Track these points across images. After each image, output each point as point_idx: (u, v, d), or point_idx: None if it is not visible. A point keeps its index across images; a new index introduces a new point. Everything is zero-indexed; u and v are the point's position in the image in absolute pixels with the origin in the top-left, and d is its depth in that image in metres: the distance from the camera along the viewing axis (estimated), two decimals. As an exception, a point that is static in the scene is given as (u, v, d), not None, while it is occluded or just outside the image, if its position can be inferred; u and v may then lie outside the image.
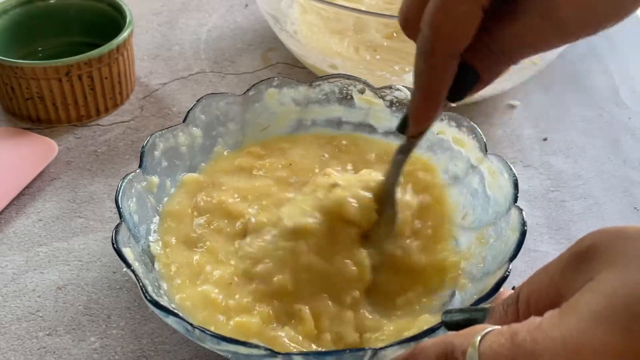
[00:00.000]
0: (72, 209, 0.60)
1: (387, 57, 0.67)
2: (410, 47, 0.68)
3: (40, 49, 0.72)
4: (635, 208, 0.61)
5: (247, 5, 0.84)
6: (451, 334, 0.36)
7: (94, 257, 0.56)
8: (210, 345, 0.42)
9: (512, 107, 0.71)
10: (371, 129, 0.59)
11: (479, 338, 0.33)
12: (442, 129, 0.56)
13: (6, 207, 0.59)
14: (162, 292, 0.47)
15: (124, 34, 0.66)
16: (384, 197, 0.50)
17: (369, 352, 0.40)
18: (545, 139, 0.67)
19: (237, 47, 0.78)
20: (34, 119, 0.67)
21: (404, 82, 0.64)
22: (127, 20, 0.67)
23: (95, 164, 0.64)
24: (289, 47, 0.72)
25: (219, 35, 0.80)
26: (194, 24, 0.81)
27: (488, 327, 0.34)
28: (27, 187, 0.61)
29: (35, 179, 0.61)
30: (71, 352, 0.49)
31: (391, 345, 0.40)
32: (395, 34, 0.69)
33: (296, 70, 0.74)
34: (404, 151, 0.48)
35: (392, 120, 0.58)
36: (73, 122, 0.67)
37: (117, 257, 0.55)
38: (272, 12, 0.71)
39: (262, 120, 0.58)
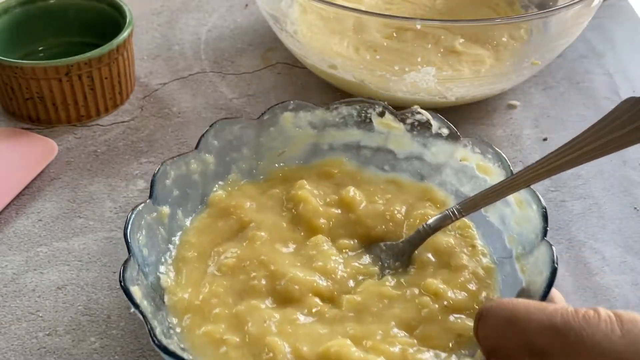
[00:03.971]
0: (72, 209, 0.60)
1: (387, 57, 0.67)
2: (410, 47, 0.68)
3: (40, 49, 0.72)
4: (635, 208, 0.61)
5: (247, 5, 0.84)
6: None
7: (94, 257, 0.56)
8: None
9: (512, 107, 0.71)
10: (391, 154, 0.57)
11: None
12: (465, 156, 0.53)
13: (6, 207, 0.59)
14: (172, 332, 0.45)
15: (124, 34, 0.66)
16: (397, 257, 0.50)
17: None
18: (545, 139, 0.67)
19: (237, 47, 0.78)
20: (33, 119, 0.67)
21: (404, 82, 0.64)
22: (127, 20, 0.67)
23: (95, 164, 0.64)
24: (289, 47, 0.72)
25: (219, 35, 0.80)
26: (194, 24, 0.81)
27: None
28: (27, 187, 0.61)
29: (35, 179, 0.61)
30: (71, 352, 0.49)
31: None
32: (395, 34, 0.69)
33: (296, 71, 0.74)
34: (434, 229, 0.49)
35: (413, 145, 0.56)
36: (73, 122, 0.67)
37: (117, 257, 0.55)
38: (272, 12, 0.71)
39: (277, 145, 0.56)
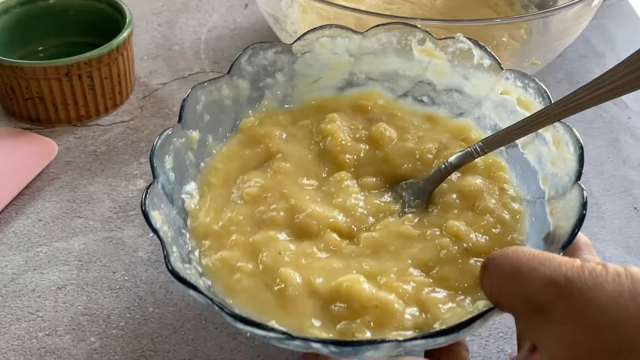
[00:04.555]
0: (71, 209, 0.60)
1: (387, 57, 0.67)
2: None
3: (40, 49, 0.72)
4: (635, 208, 0.61)
5: (247, 5, 0.84)
6: None
7: (94, 257, 0.56)
8: (229, 322, 0.40)
9: (512, 107, 0.71)
10: (430, 85, 0.54)
11: None
12: (506, 89, 0.51)
13: (6, 207, 0.59)
14: (191, 256, 0.45)
15: (124, 34, 0.66)
16: (417, 196, 0.49)
17: (391, 345, 0.37)
18: (545, 139, 0.67)
19: (237, 47, 0.78)
20: (33, 119, 0.67)
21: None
22: (127, 20, 0.67)
23: (95, 164, 0.64)
24: (289, 47, 0.72)
25: (219, 35, 0.80)
26: (194, 24, 0.81)
27: None
28: (27, 187, 0.61)
29: (35, 179, 0.61)
30: (71, 352, 0.49)
31: (415, 339, 0.37)
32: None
33: (296, 70, 0.74)
34: (455, 167, 0.48)
35: (454, 76, 0.54)
36: (73, 122, 0.67)
37: (117, 257, 0.55)
38: (272, 12, 0.70)
39: (312, 72, 0.55)
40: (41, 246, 0.57)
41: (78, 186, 0.62)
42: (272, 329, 0.38)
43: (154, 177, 0.44)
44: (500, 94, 0.52)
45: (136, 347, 0.50)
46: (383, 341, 0.37)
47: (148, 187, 0.43)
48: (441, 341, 0.38)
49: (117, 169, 0.63)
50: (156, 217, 0.43)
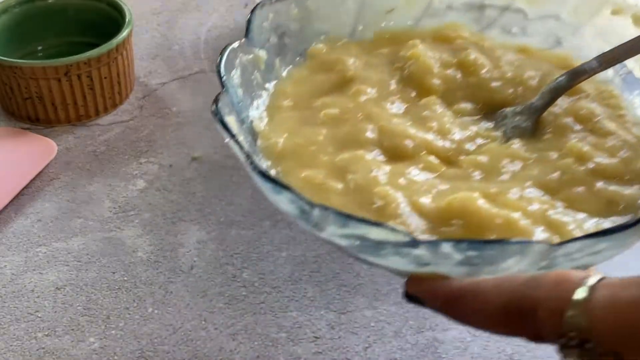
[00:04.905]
0: (71, 209, 0.59)
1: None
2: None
3: (39, 48, 0.72)
4: (637, 208, 0.61)
5: (247, 5, 0.84)
6: (529, 285, 0.29)
7: (93, 257, 0.56)
8: (333, 230, 0.33)
9: (512, 107, 0.71)
10: (521, 14, 0.50)
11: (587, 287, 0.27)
12: (619, 7, 0.47)
13: (5, 207, 0.59)
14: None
15: (124, 34, 0.66)
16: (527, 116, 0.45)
17: (541, 248, 0.30)
18: (546, 139, 0.67)
19: (237, 47, 0.78)
20: (33, 118, 0.67)
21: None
22: (127, 20, 0.67)
23: (95, 164, 0.63)
24: (289, 47, 0.71)
25: (218, 35, 0.80)
26: (194, 24, 0.81)
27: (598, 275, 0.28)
28: (26, 187, 0.60)
29: (34, 179, 0.61)
30: (70, 353, 0.49)
31: (572, 241, 0.31)
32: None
33: (296, 70, 0.74)
34: (565, 88, 0.43)
35: (546, 4, 0.49)
36: (72, 122, 0.67)
37: (116, 258, 0.55)
38: (272, 12, 0.70)
39: (385, 2, 0.50)
40: (40, 246, 0.56)
41: (77, 186, 0.61)
42: (393, 229, 0.31)
43: (223, 87, 0.40)
44: (611, 13, 0.47)
45: (135, 347, 0.50)
46: (531, 242, 0.31)
47: (218, 95, 0.40)
48: (601, 247, 0.32)
49: (117, 169, 0.63)
50: (231, 122, 0.39)
